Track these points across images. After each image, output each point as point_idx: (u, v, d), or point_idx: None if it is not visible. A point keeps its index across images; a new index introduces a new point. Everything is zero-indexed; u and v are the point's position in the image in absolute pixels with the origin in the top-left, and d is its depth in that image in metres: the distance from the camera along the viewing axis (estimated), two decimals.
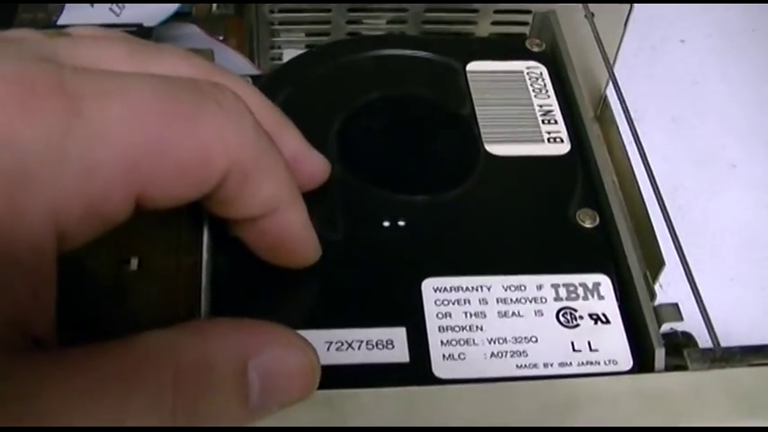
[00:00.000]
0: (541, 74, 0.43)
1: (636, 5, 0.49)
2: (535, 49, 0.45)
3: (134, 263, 0.33)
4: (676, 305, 0.34)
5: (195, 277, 0.33)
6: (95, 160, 0.26)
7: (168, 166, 0.27)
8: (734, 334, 0.37)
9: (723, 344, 0.33)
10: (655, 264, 0.39)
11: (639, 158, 0.41)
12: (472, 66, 0.43)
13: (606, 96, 0.50)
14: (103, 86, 0.26)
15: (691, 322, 0.35)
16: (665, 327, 0.34)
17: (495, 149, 0.40)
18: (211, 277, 0.33)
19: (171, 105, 0.27)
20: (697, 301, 0.36)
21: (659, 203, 0.40)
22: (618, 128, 0.46)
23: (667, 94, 0.61)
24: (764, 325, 0.51)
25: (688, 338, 0.37)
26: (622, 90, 0.44)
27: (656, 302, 0.34)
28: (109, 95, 0.26)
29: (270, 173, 0.30)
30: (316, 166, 0.34)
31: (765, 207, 0.57)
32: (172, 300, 0.33)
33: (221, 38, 0.51)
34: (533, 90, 0.42)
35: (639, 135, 0.42)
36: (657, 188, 0.40)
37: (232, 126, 0.28)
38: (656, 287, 0.38)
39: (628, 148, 0.45)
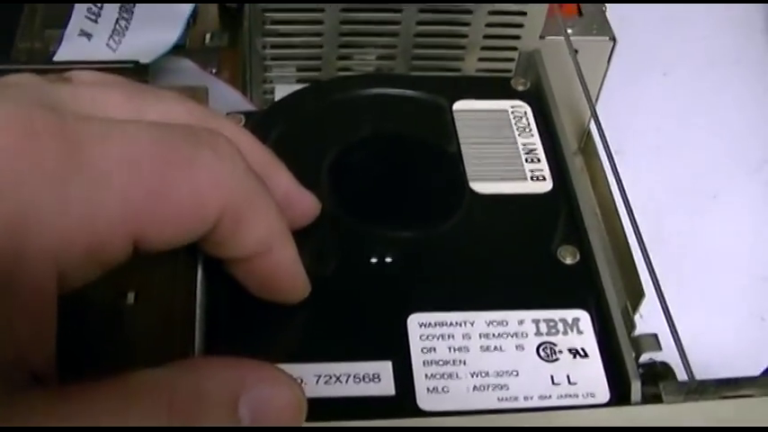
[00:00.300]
0: (525, 113, 0.44)
1: (619, 38, 0.50)
2: (520, 89, 0.46)
3: (131, 297, 0.34)
4: (655, 336, 0.35)
5: (190, 311, 0.34)
6: (97, 203, 0.27)
7: (166, 210, 0.28)
8: (713, 365, 0.39)
9: (701, 375, 0.35)
10: (635, 294, 0.40)
11: (620, 194, 0.42)
12: (459, 105, 0.45)
13: (590, 130, 0.51)
14: (104, 132, 0.27)
15: (671, 351, 0.36)
16: (645, 357, 0.35)
17: (480, 187, 0.41)
18: (205, 311, 0.35)
19: (168, 151, 0.28)
20: (672, 335, 0.37)
21: (636, 235, 0.41)
22: (601, 161, 0.47)
23: (650, 126, 0.62)
24: (745, 353, 0.52)
25: (666, 369, 0.38)
26: (606, 122, 0.46)
27: (636, 333, 0.36)
28: (109, 141, 0.27)
29: (261, 214, 0.31)
30: (306, 205, 0.35)
31: (745, 236, 0.58)
32: (168, 332, 0.34)
33: (214, 70, 0.52)
34: (517, 129, 0.43)
35: (622, 166, 0.44)
36: (635, 221, 0.41)
37: (226, 171, 0.29)
38: (637, 317, 0.40)
39: (611, 180, 0.45)
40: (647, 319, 0.42)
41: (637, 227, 0.40)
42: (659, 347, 0.35)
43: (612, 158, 0.43)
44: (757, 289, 0.56)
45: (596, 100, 0.50)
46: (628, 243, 0.42)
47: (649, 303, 0.40)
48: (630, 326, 0.37)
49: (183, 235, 0.28)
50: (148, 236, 0.28)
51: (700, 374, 0.35)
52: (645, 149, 0.61)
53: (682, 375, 0.37)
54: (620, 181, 0.42)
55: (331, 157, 0.41)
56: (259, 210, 0.30)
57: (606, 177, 0.46)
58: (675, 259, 0.54)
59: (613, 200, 0.44)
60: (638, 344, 0.35)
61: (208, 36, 0.56)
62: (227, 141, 0.29)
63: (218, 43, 0.55)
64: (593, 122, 0.50)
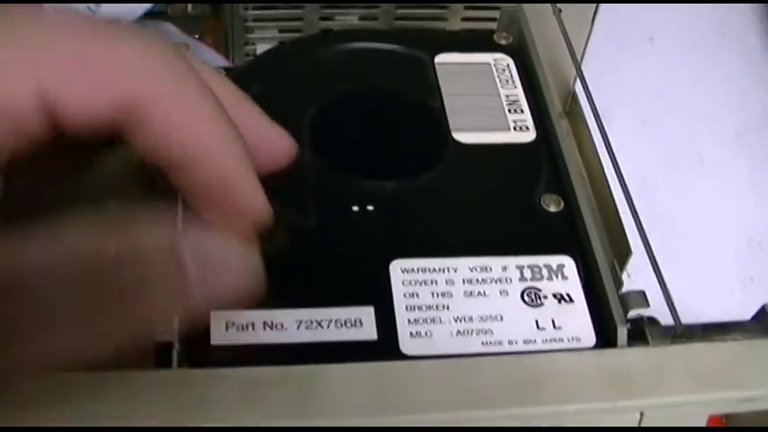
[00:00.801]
0: (508, 65, 0.44)
1: (603, 5, 0.50)
2: (503, 42, 0.46)
3: None
4: (643, 292, 0.35)
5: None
6: (10, 62, 0.26)
7: (77, 79, 0.26)
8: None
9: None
10: (622, 253, 0.40)
11: (607, 154, 0.42)
12: (440, 58, 0.44)
13: (575, 92, 0.50)
14: (37, 11, 0.27)
15: (657, 308, 0.36)
16: (632, 313, 0.34)
17: (463, 137, 0.40)
18: None
19: (95, 29, 0.27)
20: (658, 279, 0.37)
21: (624, 194, 0.41)
22: (587, 124, 0.47)
23: (636, 92, 0.62)
24: (733, 314, 0.52)
25: (653, 323, 0.37)
26: (590, 86, 0.45)
27: (624, 290, 0.35)
28: (39, 15, 0.26)
29: (185, 114, 0.28)
30: (281, 145, 0.33)
31: (731, 199, 0.57)
32: None
33: (197, 36, 0.52)
34: (500, 80, 0.43)
35: (608, 131, 0.43)
36: (623, 179, 0.41)
37: (149, 61, 0.27)
38: (624, 276, 0.39)
39: (596, 143, 0.45)
40: (635, 279, 0.41)
41: (625, 184, 0.40)
42: (647, 304, 0.34)
43: (599, 118, 0.42)
44: (744, 251, 0.55)
45: (581, 62, 0.49)
46: (615, 203, 0.41)
47: (634, 264, 0.40)
48: (618, 283, 0.37)
49: (93, 112, 0.26)
50: (59, 106, 0.26)
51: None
52: (630, 114, 0.60)
53: None
54: (608, 139, 0.42)
55: (312, 112, 0.41)
56: (183, 109, 0.27)
57: (592, 140, 0.46)
58: (661, 223, 0.53)
59: (600, 162, 0.44)
60: (626, 300, 0.34)
61: (190, 6, 0.54)
62: (168, 46, 0.28)
63: (199, 12, 0.54)
64: (577, 85, 0.49)
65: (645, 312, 0.35)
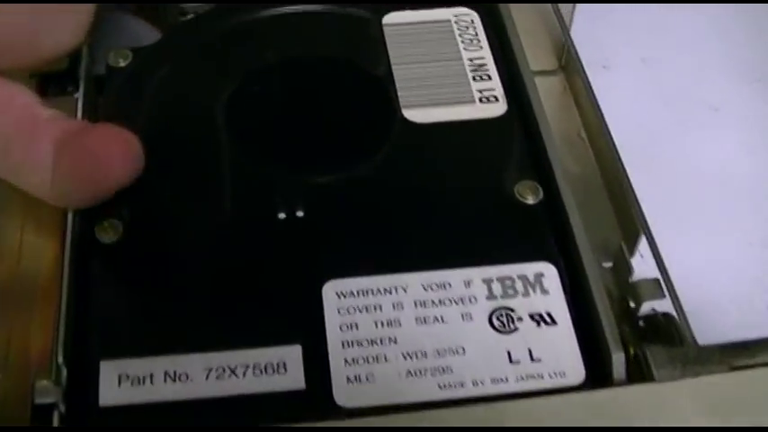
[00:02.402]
0: (472, 21, 0.37)
1: None
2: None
3: None
4: (657, 280, 0.29)
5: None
6: None
7: None
8: (718, 304, 0.36)
9: (703, 320, 0.29)
10: (632, 231, 0.33)
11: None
12: (390, 18, 0.37)
13: (569, 44, 0.43)
14: None
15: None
16: (646, 306, 0.30)
17: (415, 115, 0.34)
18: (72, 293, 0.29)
19: None
20: (669, 293, 0.30)
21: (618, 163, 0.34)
22: (584, 77, 0.39)
23: (637, 37, 0.54)
24: (753, 284, 0.45)
25: (669, 322, 0.30)
26: (586, 36, 0.40)
27: (635, 276, 0.30)
28: None
29: None
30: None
31: (749, 151, 0.50)
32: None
33: None
34: (462, 41, 0.36)
35: (609, 82, 0.38)
36: (615, 146, 0.35)
37: None
38: (636, 258, 0.32)
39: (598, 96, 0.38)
40: (649, 258, 0.34)
41: (618, 154, 0.34)
42: (662, 294, 0.29)
43: (585, 73, 0.37)
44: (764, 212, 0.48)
45: (573, 9, 0.42)
46: (619, 171, 0.34)
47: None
48: (627, 270, 0.31)
49: None
50: None
51: (702, 319, 0.29)
52: (633, 62, 0.53)
53: None
54: (596, 100, 0.36)
55: (231, 90, 0.34)
56: None
57: (592, 94, 0.38)
58: (670, 179, 0.46)
59: (602, 119, 0.37)
60: (636, 290, 0.29)
61: None
62: None
63: None
64: (573, 32, 0.42)
65: (659, 305, 0.30)
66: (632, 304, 0.29)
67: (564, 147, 0.35)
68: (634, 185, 0.34)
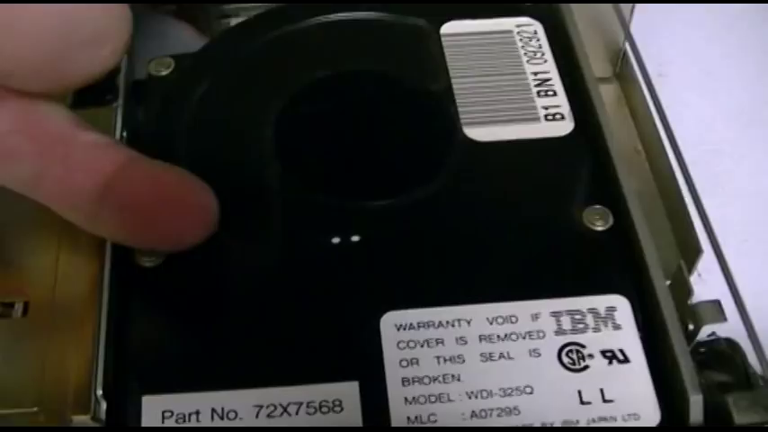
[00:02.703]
0: (536, 33, 0.35)
1: None
2: (527, 3, 0.36)
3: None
4: (718, 302, 0.28)
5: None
6: None
7: None
8: None
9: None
10: (690, 250, 0.32)
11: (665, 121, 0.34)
12: (448, 27, 0.35)
13: (626, 50, 0.41)
14: None
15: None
16: (705, 330, 0.28)
17: (477, 133, 0.32)
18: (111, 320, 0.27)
19: None
20: (741, 316, 0.29)
21: (684, 175, 0.33)
22: (640, 86, 0.38)
23: (697, 46, 0.52)
24: None
25: (734, 349, 0.30)
26: (645, 41, 0.38)
27: (694, 299, 0.29)
28: None
29: None
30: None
31: None
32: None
33: None
34: (526, 54, 0.34)
35: (666, 91, 0.36)
36: (682, 160, 0.33)
37: None
38: (694, 277, 0.31)
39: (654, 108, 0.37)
40: (707, 279, 0.33)
41: (685, 167, 0.33)
42: (723, 317, 0.28)
43: (650, 81, 0.35)
44: None
45: (631, 15, 0.40)
46: (678, 187, 0.33)
47: (705, 260, 0.32)
48: (687, 293, 0.29)
49: None
50: None
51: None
52: (693, 72, 0.50)
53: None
54: (662, 109, 0.35)
55: (279, 107, 0.32)
56: None
57: (648, 106, 0.36)
58: (736, 201, 0.44)
59: (658, 133, 0.36)
60: (696, 314, 0.28)
61: None
62: None
63: None
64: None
65: (719, 329, 0.28)
66: (691, 327, 0.28)
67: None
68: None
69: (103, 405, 0.26)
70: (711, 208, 0.32)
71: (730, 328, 0.29)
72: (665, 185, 0.35)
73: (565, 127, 0.32)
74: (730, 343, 0.30)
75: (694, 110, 0.46)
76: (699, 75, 0.50)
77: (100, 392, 0.26)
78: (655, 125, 0.36)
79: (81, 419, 0.25)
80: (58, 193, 0.27)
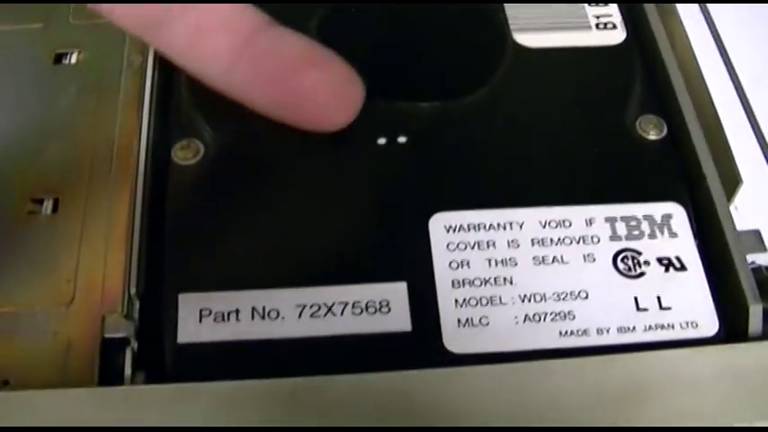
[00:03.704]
0: None
1: None
2: None
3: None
4: (758, 232, 0.27)
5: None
6: None
7: None
8: None
9: None
10: (729, 181, 0.30)
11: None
12: None
13: None
14: None
15: None
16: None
17: (528, 39, 0.31)
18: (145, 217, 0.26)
19: None
20: None
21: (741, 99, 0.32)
22: (677, 12, 0.36)
23: None
24: None
25: None
26: None
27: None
28: None
29: None
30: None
31: None
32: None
33: None
34: None
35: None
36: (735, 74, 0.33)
37: None
38: (731, 209, 0.29)
39: (691, 38, 0.35)
40: (743, 212, 0.32)
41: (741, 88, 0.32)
42: (764, 247, 0.27)
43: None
44: None
45: None
46: (717, 115, 0.31)
47: (742, 193, 0.30)
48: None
49: None
50: None
51: None
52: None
53: None
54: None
55: (321, 13, 0.31)
56: None
57: (686, 33, 0.35)
58: None
59: (696, 61, 0.33)
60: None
61: None
62: None
63: None
64: None
65: (760, 259, 0.27)
66: None
67: None
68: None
69: (137, 304, 0.25)
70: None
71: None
72: (705, 115, 0.34)
73: (617, 36, 0.31)
74: None
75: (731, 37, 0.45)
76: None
77: (133, 291, 0.24)
78: (692, 51, 0.34)
79: (114, 317, 0.24)
80: (193, 38, 0.26)
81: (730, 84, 0.36)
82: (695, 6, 0.36)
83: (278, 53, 0.26)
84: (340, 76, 0.27)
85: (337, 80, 0.27)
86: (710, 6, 0.37)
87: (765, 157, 0.31)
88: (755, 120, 0.32)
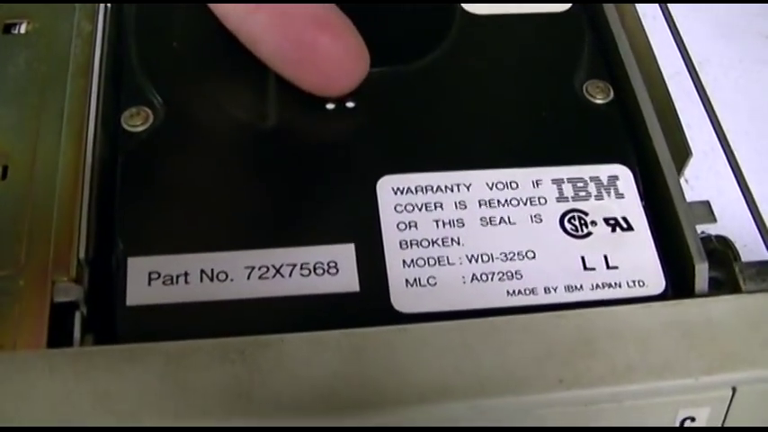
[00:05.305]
0: None
1: None
2: None
3: None
4: (707, 203, 0.27)
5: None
6: None
7: None
8: None
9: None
10: (679, 154, 0.30)
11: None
12: None
13: None
14: None
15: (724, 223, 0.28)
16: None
17: (476, 7, 0.31)
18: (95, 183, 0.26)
19: None
20: (745, 196, 0.29)
21: (691, 75, 0.33)
22: None
23: None
24: None
25: (726, 245, 0.28)
26: None
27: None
28: None
29: None
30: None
31: None
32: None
33: None
34: None
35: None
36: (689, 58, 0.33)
37: None
38: (681, 182, 0.30)
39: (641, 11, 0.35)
40: (694, 185, 0.35)
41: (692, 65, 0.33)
42: (713, 218, 0.27)
43: None
44: None
45: None
46: (668, 90, 0.31)
47: (693, 167, 0.30)
48: None
49: None
50: None
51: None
52: None
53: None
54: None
55: None
56: None
57: (636, 13, 0.35)
58: (723, 110, 0.44)
59: (647, 39, 0.33)
60: None
61: None
62: None
63: None
64: None
65: (711, 229, 0.27)
66: None
67: None
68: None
69: (86, 269, 0.25)
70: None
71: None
72: (653, 88, 0.34)
73: (564, 4, 0.31)
74: (723, 240, 0.30)
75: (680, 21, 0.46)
76: None
77: (83, 256, 0.24)
78: (643, 29, 0.35)
79: (63, 282, 0.24)
80: None
81: (681, 61, 0.37)
82: None
83: (299, 8, 0.26)
84: (353, 44, 0.27)
85: (351, 48, 0.27)
86: None
87: (715, 131, 0.31)
88: (707, 96, 0.32)
